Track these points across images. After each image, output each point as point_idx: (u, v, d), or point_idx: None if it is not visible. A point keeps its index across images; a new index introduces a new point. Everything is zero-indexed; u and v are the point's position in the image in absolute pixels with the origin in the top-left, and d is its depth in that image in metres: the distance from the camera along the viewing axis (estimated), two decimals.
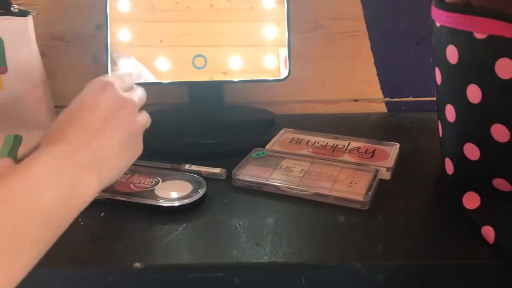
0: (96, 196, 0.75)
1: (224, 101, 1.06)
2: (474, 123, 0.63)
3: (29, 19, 0.88)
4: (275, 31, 0.99)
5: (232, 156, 0.89)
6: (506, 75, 0.56)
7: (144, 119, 0.71)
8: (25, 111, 0.90)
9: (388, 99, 1.17)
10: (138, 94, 0.71)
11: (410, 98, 1.17)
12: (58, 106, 1.13)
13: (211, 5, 0.98)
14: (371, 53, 1.13)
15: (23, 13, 0.88)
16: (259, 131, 1.02)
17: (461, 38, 0.61)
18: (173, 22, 0.99)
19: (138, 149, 0.69)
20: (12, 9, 0.87)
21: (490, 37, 0.57)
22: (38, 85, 0.91)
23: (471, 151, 0.65)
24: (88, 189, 0.59)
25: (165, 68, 0.98)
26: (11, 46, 0.87)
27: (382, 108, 1.18)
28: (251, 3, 0.99)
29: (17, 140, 0.88)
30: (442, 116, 0.70)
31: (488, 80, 0.59)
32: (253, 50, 1.00)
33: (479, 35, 0.58)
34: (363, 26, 1.11)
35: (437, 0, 0.65)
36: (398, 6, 1.09)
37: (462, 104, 0.64)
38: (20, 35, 0.88)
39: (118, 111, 0.65)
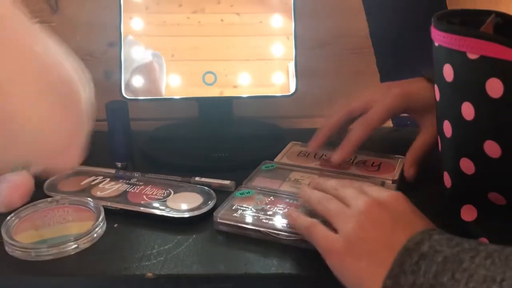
0: (110, 206, 0.80)
1: (233, 115, 1.09)
2: (468, 139, 0.66)
3: None
4: (284, 45, 1.02)
5: (240, 169, 0.92)
6: (496, 94, 0.59)
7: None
8: None
9: None
10: None
11: None
12: None
13: (222, 20, 1.01)
14: (376, 69, 1.16)
15: None
16: (267, 145, 1.05)
17: (456, 58, 0.63)
18: (184, 36, 1.02)
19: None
20: None
21: (482, 58, 0.59)
22: None
23: (467, 166, 0.67)
24: None
25: (176, 84, 1.01)
26: None
27: (387, 123, 1.19)
28: (261, 18, 1.02)
29: None
30: (440, 131, 0.72)
31: (480, 98, 0.61)
32: (263, 64, 1.02)
33: (472, 55, 0.60)
34: (368, 43, 1.14)
35: (436, 21, 0.67)
36: (402, 23, 1.11)
37: (457, 120, 0.66)
38: None
39: None
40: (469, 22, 0.71)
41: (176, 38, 1.02)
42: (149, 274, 0.67)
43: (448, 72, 0.65)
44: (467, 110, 0.63)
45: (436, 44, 0.67)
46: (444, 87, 0.68)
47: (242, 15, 1.01)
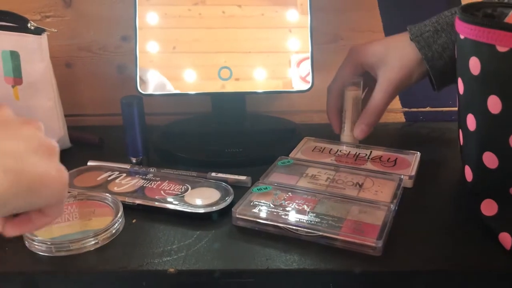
0: (128, 202, 0.79)
1: (246, 110, 1.08)
2: (493, 132, 0.65)
3: (43, 37, 0.93)
4: (287, 38, 1.01)
5: (254, 165, 0.92)
6: None
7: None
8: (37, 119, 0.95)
9: (406, 109, 1.19)
10: None
11: (427, 108, 1.18)
12: (84, 114, 1.17)
13: (223, 12, 1.00)
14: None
15: (38, 31, 0.93)
16: (280, 140, 1.04)
17: (484, 51, 0.63)
18: (186, 28, 1.01)
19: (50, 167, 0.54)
20: (29, 25, 0.91)
21: None
22: (50, 96, 0.97)
23: (490, 160, 0.67)
24: None
25: (191, 80, 1.00)
26: (26, 60, 0.93)
27: (400, 118, 1.20)
28: (263, 10, 1.01)
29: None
30: (463, 125, 0.72)
31: (508, 92, 0.61)
32: (265, 57, 1.01)
33: (501, 48, 0.60)
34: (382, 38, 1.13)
35: (462, 13, 0.67)
36: (416, 18, 1.11)
37: (482, 114, 0.65)
38: (35, 51, 0.93)
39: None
40: (489, 15, 0.71)
41: (177, 30, 1.01)
42: (171, 270, 0.66)
43: (474, 65, 0.65)
44: (494, 104, 0.63)
45: (462, 36, 0.67)
46: (469, 80, 0.67)
47: (243, 7, 1.00)
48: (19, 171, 0.50)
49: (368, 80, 0.98)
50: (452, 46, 0.84)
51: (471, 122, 0.69)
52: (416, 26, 0.92)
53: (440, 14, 0.90)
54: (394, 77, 0.92)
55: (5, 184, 0.48)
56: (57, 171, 0.54)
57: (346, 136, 1.00)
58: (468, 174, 0.74)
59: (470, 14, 0.67)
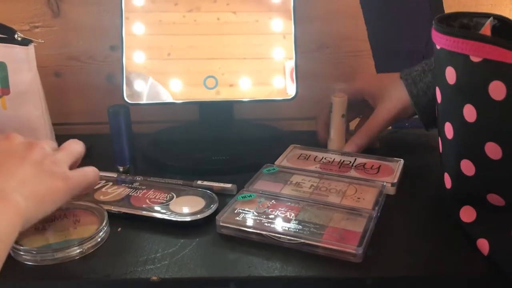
0: (113, 210, 0.80)
1: (233, 118, 1.09)
2: (470, 140, 0.66)
3: (30, 48, 0.94)
4: (281, 44, 1.02)
5: (240, 172, 0.93)
6: (499, 97, 0.60)
7: (62, 156, 0.72)
8: (25, 129, 0.95)
9: None
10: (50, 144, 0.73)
11: None
12: (73, 123, 1.17)
13: (218, 19, 1.01)
14: (375, 72, 1.16)
15: (25, 42, 0.93)
16: (267, 147, 1.05)
17: (459, 61, 0.64)
18: (180, 35, 1.01)
19: (62, 181, 0.68)
20: (16, 36, 0.92)
21: (485, 61, 0.60)
22: (38, 106, 0.97)
23: (467, 167, 0.68)
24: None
25: (177, 89, 1.01)
26: (13, 71, 0.93)
27: None
28: (257, 16, 1.02)
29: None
30: (441, 133, 0.73)
31: (482, 101, 0.62)
32: (260, 63, 1.02)
33: (475, 58, 0.61)
34: (367, 46, 1.14)
35: (438, 24, 0.68)
36: (400, 27, 1.12)
37: (459, 122, 0.67)
38: (22, 61, 0.94)
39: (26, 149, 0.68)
40: (465, 25, 0.72)
41: (172, 37, 1.01)
42: (154, 278, 0.67)
43: (450, 74, 0.66)
44: (469, 112, 0.64)
45: (438, 47, 0.68)
46: (446, 89, 0.68)
47: (238, 13, 1.01)
48: (34, 194, 0.64)
49: (361, 108, 1.04)
50: None
51: (448, 130, 0.70)
52: (409, 68, 0.98)
53: (431, 58, 0.94)
54: (393, 107, 0.98)
55: (31, 207, 0.63)
56: (63, 180, 0.68)
57: (332, 142, 1.01)
58: (447, 181, 0.75)
59: (446, 24, 0.68)
